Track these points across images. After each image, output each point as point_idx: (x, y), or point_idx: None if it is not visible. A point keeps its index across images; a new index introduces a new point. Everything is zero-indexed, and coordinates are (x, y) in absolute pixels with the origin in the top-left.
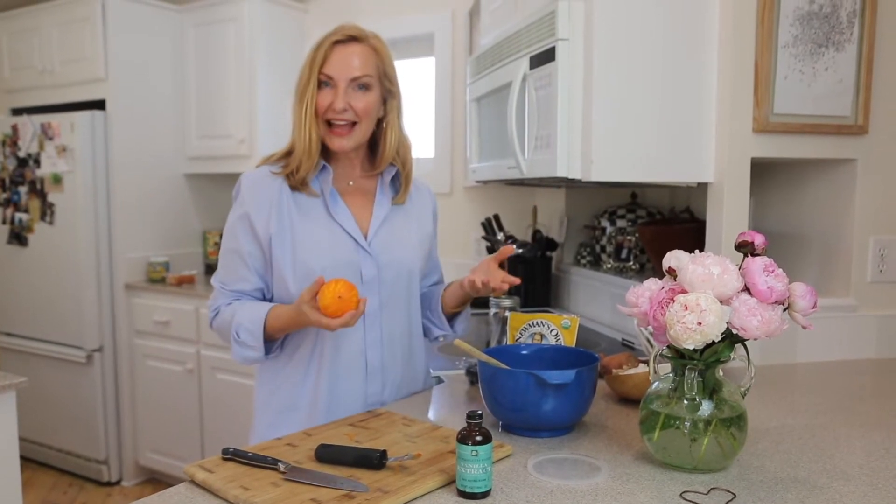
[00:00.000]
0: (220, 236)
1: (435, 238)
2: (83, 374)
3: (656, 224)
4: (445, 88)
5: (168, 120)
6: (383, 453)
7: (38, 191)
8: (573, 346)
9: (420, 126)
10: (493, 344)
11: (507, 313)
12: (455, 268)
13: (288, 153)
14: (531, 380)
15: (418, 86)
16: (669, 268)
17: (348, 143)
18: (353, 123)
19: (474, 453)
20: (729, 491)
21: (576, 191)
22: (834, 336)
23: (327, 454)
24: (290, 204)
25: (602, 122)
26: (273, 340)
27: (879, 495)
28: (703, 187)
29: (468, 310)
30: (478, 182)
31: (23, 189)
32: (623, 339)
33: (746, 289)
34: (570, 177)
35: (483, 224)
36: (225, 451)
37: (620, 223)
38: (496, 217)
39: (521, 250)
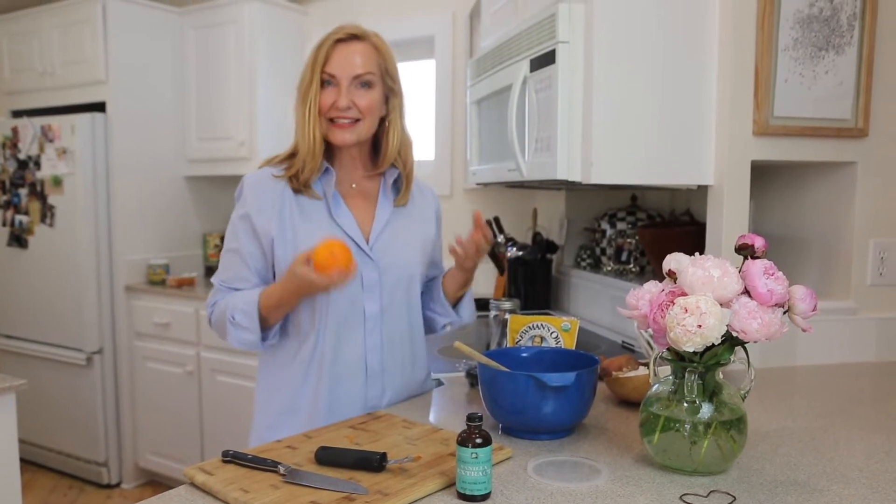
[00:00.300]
0: (221, 239)
1: (439, 240)
2: (83, 377)
3: (656, 227)
4: (446, 91)
5: (168, 122)
6: (383, 456)
7: (38, 193)
8: (573, 348)
9: (420, 128)
10: (493, 346)
11: (507, 316)
12: None
13: (291, 155)
14: (531, 382)
15: (419, 88)
16: (669, 270)
17: (350, 136)
18: (357, 121)
19: (474, 456)
20: (729, 494)
21: (576, 193)
22: (834, 339)
23: (327, 456)
24: (292, 206)
25: (602, 124)
26: (270, 327)
27: (879, 498)
28: (703, 190)
29: (471, 293)
30: (478, 184)
31: (23, 191)
32: (623, 342)
33: (746, 291)
34: (571, 179)
35: None
36: (225, 454)
37: (620, 226)
38: (496, 219)
39: (521, 252)
